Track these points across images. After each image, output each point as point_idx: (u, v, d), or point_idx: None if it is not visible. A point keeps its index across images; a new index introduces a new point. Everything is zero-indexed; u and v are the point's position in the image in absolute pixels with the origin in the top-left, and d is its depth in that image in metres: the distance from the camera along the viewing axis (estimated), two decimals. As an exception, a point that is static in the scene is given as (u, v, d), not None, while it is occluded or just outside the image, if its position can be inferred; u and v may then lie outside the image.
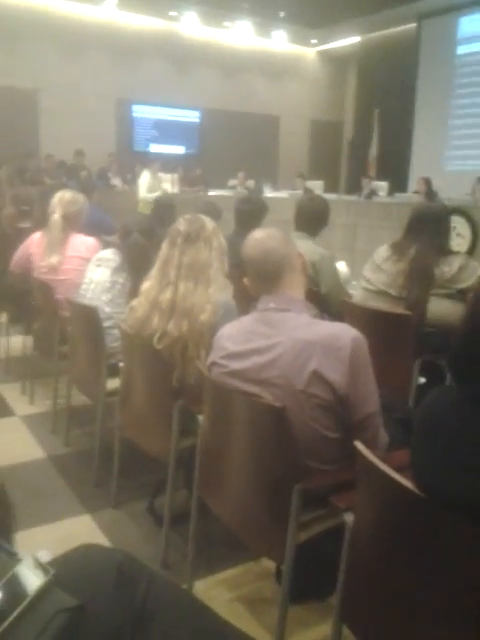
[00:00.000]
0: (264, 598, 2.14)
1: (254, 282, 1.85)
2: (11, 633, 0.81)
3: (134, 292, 2.76)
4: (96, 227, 4.00)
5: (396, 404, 2.13)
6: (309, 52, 14.99)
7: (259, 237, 1.84)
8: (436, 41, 12.23)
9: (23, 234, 4.00)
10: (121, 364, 2.62)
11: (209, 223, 2.35)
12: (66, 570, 0.92)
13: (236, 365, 1.75)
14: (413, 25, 12.58)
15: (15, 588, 0.85)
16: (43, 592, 0.85)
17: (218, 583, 2.20)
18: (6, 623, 0.81)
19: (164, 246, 2.35)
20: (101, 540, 2.45)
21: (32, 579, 0.86)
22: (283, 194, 9.18)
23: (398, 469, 1.26)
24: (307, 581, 1.90)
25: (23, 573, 0.87)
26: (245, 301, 2.59)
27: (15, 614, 0.82)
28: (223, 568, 2.27)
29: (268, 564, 2.25)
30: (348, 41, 14.09)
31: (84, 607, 0.85)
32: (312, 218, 3.40)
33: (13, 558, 0.92)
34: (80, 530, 2.54)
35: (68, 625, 0.84)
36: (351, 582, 1.45)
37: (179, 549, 2.35)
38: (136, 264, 2.97)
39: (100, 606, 0.89)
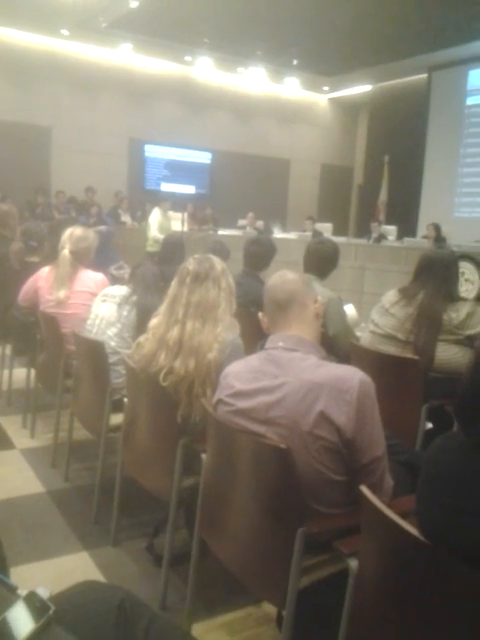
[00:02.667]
0: (263, 645, 2.09)
1: (267, 311, 1.88)
2: None
3: (141, 324, 2.78)
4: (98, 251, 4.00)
5: (401, 446, 2.11)
6: (321, 99, 15.32)
7: (283, 270, 1.93)
8: (446, 92, 12.52)
9: (30, 269, 4.03)
10: (125, 399, 2.62)
11: (218, 263, 2.38)
12: (67, 606, 0.90)
13: (243, 404, 1.74)
14: (424, 75, 12.89)
15: (8, 627, 0.84)
16: (41, 631, 0.83)
17: (217, 627, 2.15)
18: None
19: (173, 284, 2.37)
20: (98, 578, 2.40)
21: (27, 619, 0.85)
22: (292, 236, 9.26)
23: (403, 515, 1.24)
24: (308, 627, 1.85)
25: (19, 610, 0.86)
26: (252, 340, 2.61)
27: None
28: (223, 611, 2.23)
29: (269, 609, 2.20)
30: (360, 89, 14.41)
31: (83, 646, 0.84)
32: (321, 261, 3.42)
33: (13, 592, 0.90)
34: (77, 567, 2.50)
35: (66, 664, 0.82)
36: (354, 629, 1.42)
37: (178, 590, 2.30)
38: (148, 286, 3.01)
39: None
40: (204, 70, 13.33)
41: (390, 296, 3.02)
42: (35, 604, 0.87)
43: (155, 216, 9.05)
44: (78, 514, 2.92)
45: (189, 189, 13.62)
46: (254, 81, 13.97)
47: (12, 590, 0.92)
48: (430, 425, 2.81)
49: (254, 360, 1.82)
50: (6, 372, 4.51)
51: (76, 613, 0.92)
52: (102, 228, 8.48)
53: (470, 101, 12.16)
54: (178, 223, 9.61)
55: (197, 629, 2.10)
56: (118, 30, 11.00)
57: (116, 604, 0.94)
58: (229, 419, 1.77)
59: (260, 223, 11.16)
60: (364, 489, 1.35)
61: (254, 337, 2.81)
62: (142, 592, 2.30)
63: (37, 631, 0.83)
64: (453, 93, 12.38)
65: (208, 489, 1.96)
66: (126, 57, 12.56)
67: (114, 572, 2.47)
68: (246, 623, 2.20)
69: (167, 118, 13.04)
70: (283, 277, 1.89)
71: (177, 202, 10.08)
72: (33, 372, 4.00)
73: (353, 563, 1.45)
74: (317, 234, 8.87)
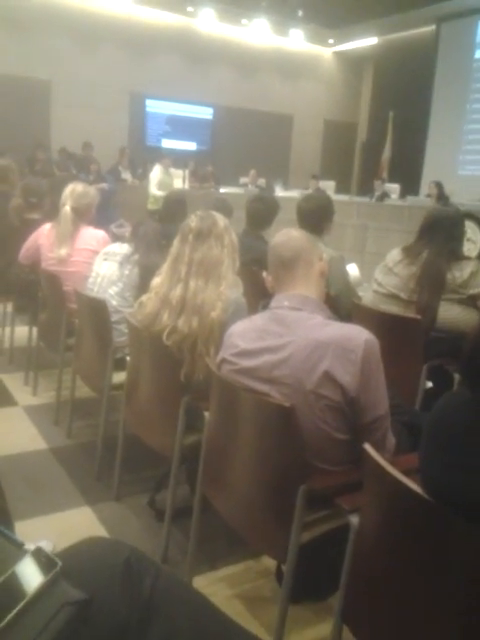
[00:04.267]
0: (263, 597, 2.13)
1: (272, 270, 1.87)
2: (15, 625, 0.80)
3: (143, 283, 2.76)
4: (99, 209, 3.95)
5: (403, 407, 2.12)
6: (326, 52, 14.97)
7: (288, 228, 1.93)
8: (454, 44, 12.21)
9: (31, 225, 3.99)
10: (128, 358, 2.62)
11: (221, 220, 2.35)
12: (73, 562, 0.91)
13: (247, 363, 1.74)
14: (432, 28, 12.57)
15: (18, 580, 0.85)
16: (49, 585, 0.85)
17: (218, 580, 2.20)
18: (10, 616, 0.80)
19: (175, 242, 2.34)
20: (101, 533, 2.45)
21: (35, 573, 0.86)
22: (294, 193, 9.17)
23: (405, 473, 1.25)
24: (307, 581, 1.89)
25: (27, 565, 0.87)
26: (254, 300, 2.60)
27: (18, 608, 0.81)
28: (223, 565, 2.27)
29: (268, 562, 2.25)
30: (365, 42, 14.07)
31: (91, 601, 0.85)
32: (312, 217, 3.33)
33: (20, 548, 0.91)
34: (80, 522, 2.54)
35: (73, 618, 0.84)
36: (354, 583, 1.45)
37: (179, 544, 2.35)
38: (150, 244, 2.99)
39: (107, 599, 0.89)
40: (207, 22, 12.99)
41: (394, 255, 3.00)
42: (41, 560, 0.88)
43: (155, 173, 8.95)
44: (81, 470, 2.96)
45: (190, 145, 13.42)
46: (258, 33, 13.62)
47: (19, 546, 0.93)
48: (430, 384, 2.82)
49: (258, 319, 1.81)
50: (8, 330, 4.52)
51: (82, 569, 0.93)
52: (103, 185, 8.39)
53: (479, 54, 11.86)
54: (179, 180, 9.51)
55: (198, 582, 2.15)
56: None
57: (122, 560, 0.95)
58: (233, 378, 1.77)
59: (262, 181, 11.04)
60: (367, 447, 1.36)
61: (256, 296, 2.80)
62: (144, 546, 2.34)
63: (46, 584, 0.84)
64: (462, 45, 12.06)
65: (211, 446, 1.98)
66: (127, 7, 12.22)
67: (116, 526, 2.51)
68: (246, 576, 2.24)
69: (168, 72, 12.76)
70: (288, 235, 1.87)
71: (178, 159, 9.95)
72: (35, 330, 4.00)
73: (354, 519, 1.47)
74: (319, 192, 8.78)
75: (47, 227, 3.71)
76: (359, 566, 1.43)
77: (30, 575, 0.86)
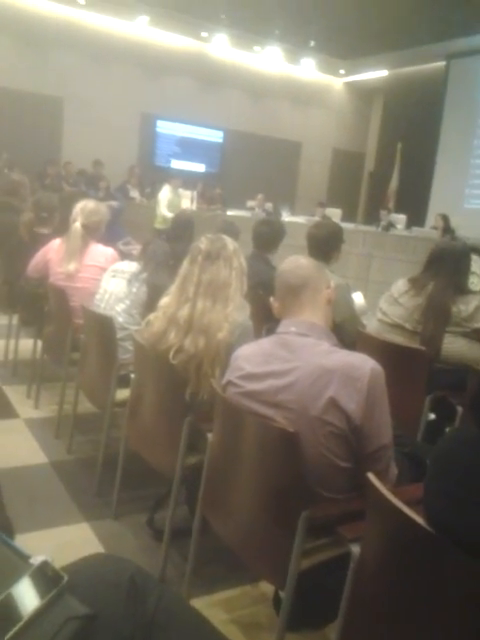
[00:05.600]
0: (260, 623, 2.12)
1: (279, 296, 1.89)
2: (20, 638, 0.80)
3: (151, 302, 2.78)
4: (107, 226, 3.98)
5: (404, 438, 2.12)
6: (336, 82, 15.15)
7: (296, 255, 1.95)
8: (463, 81, 12.37)
9: (40, 240, 4.03)
10: (132, 375, 2.63)
11: (231, 243, 2.38)
12: (79, 577, 0.92)
13: (252, 386, 1.75)
14: (442, 63, 12.73)
15: (16, 600, 0.85)
16: (49, 604, 0.85)
17: (214, 603, 2.19)
18: (16, 628, 0.80)
19: (185, 263, 2.37)
20: (99, 550, 2.43)
21: (32, 595, 0.86)
22: (300, 219, 9.23)
23: (407, 503, 1.26)
24: (305, 609, 1.88)
25: (25, 585, 0.87)
26: (260, 322, 2.61)
27: (25, 620, 0.82)
28: (220, 589, 2.26)
29: (265, 588, 2.24)
30: (376, 74, 14.25)
31: (96, 616, 0.85)
32: (323, 244, 3.36)
33: (25, 561, 0.92)
34: (78, 538, 2.53)
35: (78, 633, 0.84)
36: (353, 613, 1.44)
37: (176, 566, 2.34)
38: (159, 263, 3.02)
39: (112, 616, 0.89)
40: (220, 47, 13.17)
41: (400, 286, 3.02)
42: (48, 574, 0.88)
43: (165, 193, 9.00)
44: (80, 486, 2.95)
45: (199, 167, 13.53)
46: (270, 61, 13.80)
47: (25, 559, 0.93)
48: (432, 416, 2.82)
49: (265, 343, 1.83)
50: (12, 342, 4.53)
51: (87, 584, 0.93)
52: (113, 203, 8.45)
53: (487, 92, 12.03)
54: (187, 201, 9.57)
55: (194, 605, 2.12)
56: (135, 1, 10.86)
57: (127, 577, 0.96)
58: (238, 401, 1.78)
59: (269, 205, 11.11)
60: (371, 476, 1.37)
61: (261, 320, 2.81)
62: (141, 565, 2.33)
63: (44, 607, 0.83)
64: (470, 83, 12.23)
65: (212, 467, 1.98)
66: (142, 30, 12.40)
67: (114, 544, 2.50)
68: (243, 601, 2.23)
69: (180, 94, 12.91)
70: (297, 262, 1.90)
71: (187, 180, 10.02)
72: (39, 343, 4.01)
73: (355, 548, 1.47)
74: (325, 219, 8.85)
75: (57, 242, 3.74)
76: (359, 595, 1.43)
77: (27, 598, 0.86)
